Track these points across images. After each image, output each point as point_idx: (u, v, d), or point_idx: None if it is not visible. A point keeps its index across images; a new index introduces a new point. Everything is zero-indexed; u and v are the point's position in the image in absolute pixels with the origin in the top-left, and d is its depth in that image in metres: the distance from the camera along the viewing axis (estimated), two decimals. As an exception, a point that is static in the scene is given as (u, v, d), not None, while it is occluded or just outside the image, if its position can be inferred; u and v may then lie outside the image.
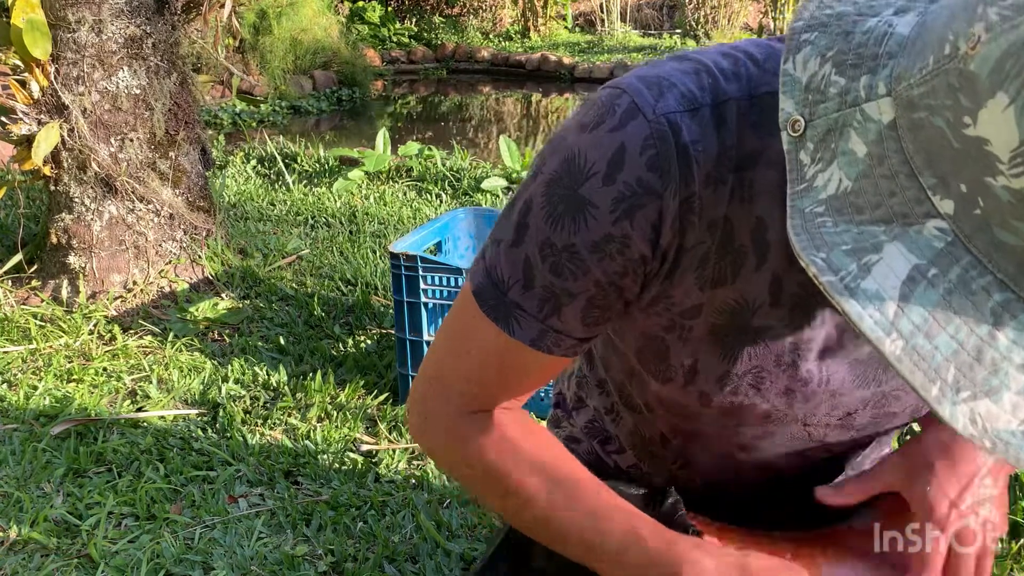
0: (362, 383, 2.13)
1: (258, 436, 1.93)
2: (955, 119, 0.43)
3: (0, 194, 2.61)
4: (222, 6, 3.03)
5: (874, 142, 0.47)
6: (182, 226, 2.70)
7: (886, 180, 0.47)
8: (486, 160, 4.65)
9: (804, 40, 0.52)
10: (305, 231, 3.33)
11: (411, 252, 1.95)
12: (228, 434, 1.94)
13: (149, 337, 2.42)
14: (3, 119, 2.40)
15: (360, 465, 1.83)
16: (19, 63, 2.39)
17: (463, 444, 0.73)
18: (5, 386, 2.14)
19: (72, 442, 1.90)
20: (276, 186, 4.02)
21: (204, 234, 2.76)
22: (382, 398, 2.07)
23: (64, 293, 2.56)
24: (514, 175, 3.96)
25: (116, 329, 2.42)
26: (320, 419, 2.01)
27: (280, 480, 1.78)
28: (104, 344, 2.38)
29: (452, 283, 1.95)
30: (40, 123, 2.41)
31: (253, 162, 4.43)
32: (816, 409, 0.71)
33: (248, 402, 2.07)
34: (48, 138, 2.37)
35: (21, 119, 2.40)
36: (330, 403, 2.06)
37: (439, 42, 10.94)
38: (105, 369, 2.25)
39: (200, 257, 2.73)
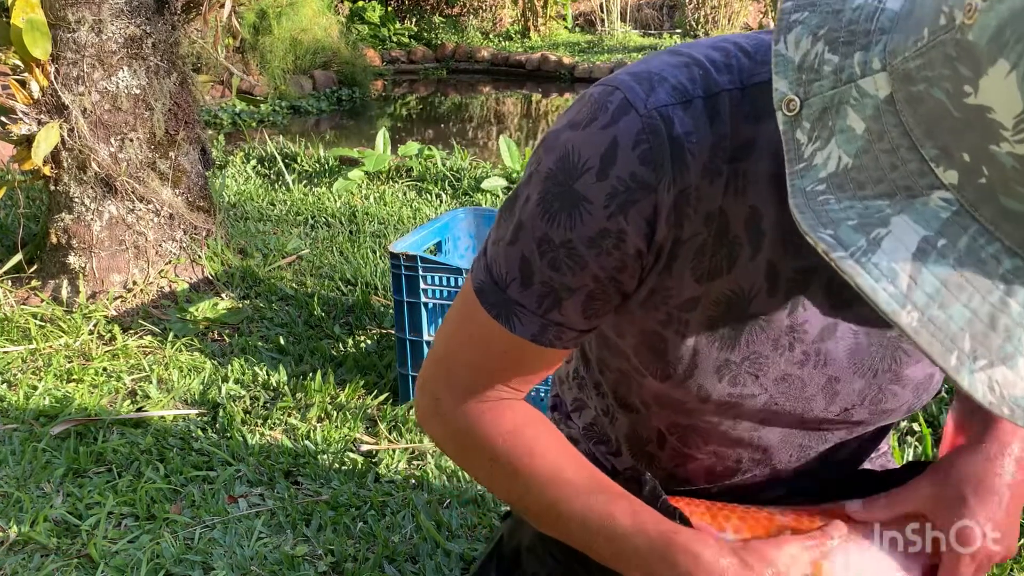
0: (362, 383, 2.13)
1: (258, 436, 1.93)
2: (955, 89, 0.43)
3: (0, 194, 2.61)
4: (222, 6, 3.03)
5: (872, 117, 0.47)
6: (182, 226, 2.70)
7: (887, 154, 0.47)
8: (486, 160, 4.65)
9: (794, 20, 0.52)
10: (305, 231, 3.33)
11: (411, 252, 1.95)
12: (228, 434, 1.94)
13: (149, 337, 2.42)
14: (3, 119, 2.40)
15: (360, 465, 1.83)
16: (19, 63, 2.39)
17: (471, 427, 0.74)
18: (5, 386, 2.14)
19: (72, 442, 1.90)
20: (276, 186, 4.02)
21: (204, 234, 2.76)
22: (382, 398, 2.07)
23: (64, 293, 2.56)
24: (514, 175, 3.96)
25: (116, 329, 2.42)
26: (320, 419, 2.01)
27: (280, 480, 1.78)
28: (104, 344, 2.38)
29: (452, 283, 1.95)
30: (40, 123, 2.41)
31: (253, 162, 4.43)
32: (813, 402, 0.71)
33: (248, 402, 2.07)
34: (48, 138, 2.37)
35: (21, 119, 2.40)
36: (330, 403, 2.05)
37: (439, 42, 10.95)
38: (105, 369, 2.25)
39: (200, 257, 2.73)
